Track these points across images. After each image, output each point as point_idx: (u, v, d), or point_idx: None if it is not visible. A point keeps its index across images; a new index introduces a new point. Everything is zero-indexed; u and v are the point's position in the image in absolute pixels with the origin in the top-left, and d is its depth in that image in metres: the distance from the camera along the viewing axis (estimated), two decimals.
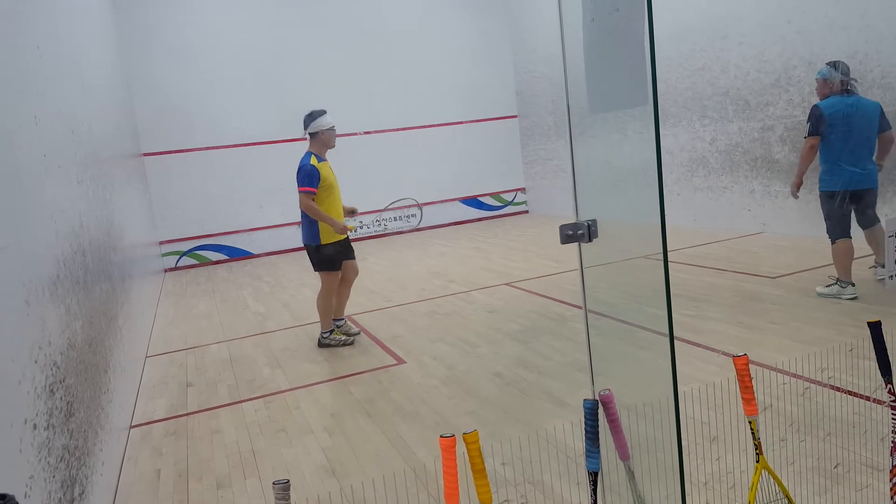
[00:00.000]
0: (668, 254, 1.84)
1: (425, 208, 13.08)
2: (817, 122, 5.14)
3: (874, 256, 5.65)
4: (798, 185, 5.49)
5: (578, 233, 2.01)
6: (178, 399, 4.71)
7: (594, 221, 2.06)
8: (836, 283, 5.23)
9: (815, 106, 5.21)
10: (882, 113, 5.16)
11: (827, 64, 5.31)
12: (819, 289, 5.35)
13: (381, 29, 12.40)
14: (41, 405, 2.27)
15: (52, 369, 2.48)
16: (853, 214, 5.28)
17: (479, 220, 13.51)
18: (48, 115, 3.28)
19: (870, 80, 6.73)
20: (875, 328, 2.08)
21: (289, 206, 11.91)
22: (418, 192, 12.96)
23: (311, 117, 5.62)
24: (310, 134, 5.66)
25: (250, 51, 11.52)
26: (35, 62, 3.21)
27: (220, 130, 11.42)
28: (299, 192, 5.39)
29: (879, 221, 5.33)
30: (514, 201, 13.89)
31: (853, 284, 5.18)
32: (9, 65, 2.67)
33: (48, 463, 2.24)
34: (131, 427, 4.28)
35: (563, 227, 2.03)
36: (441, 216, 13.20)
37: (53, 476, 2.28)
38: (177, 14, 11.03)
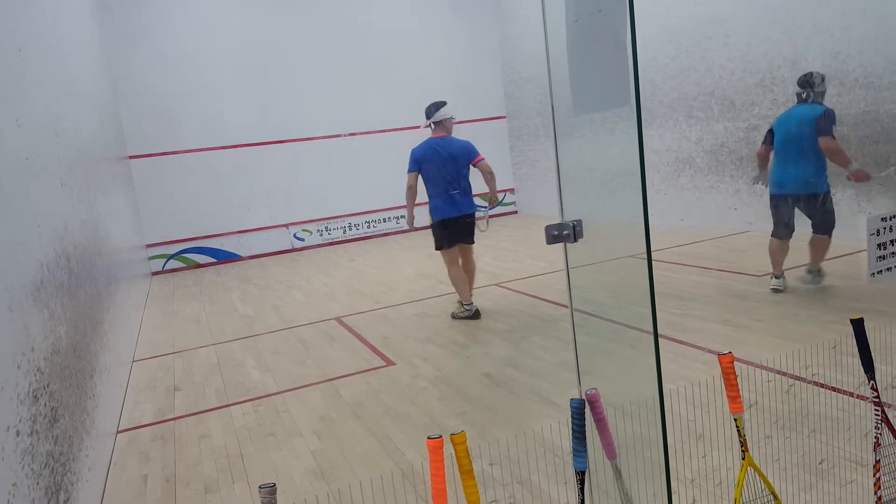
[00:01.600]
0: (655, 253, 1.85)
1: (415, 209, 13.05)
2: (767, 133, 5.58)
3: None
4: (756, 180, 5.93)
5: (564, 233, 2.02)
6: (166, 403, 4.68)
7: (579, 222, 2.06)
8: (806, 273, 5.62)
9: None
10: (822, 117, 5.07)
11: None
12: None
13: (369, 30, 12.39)
14: (24, 411, 2.25)
15: (35, 375, 2.46)
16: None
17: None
18: (31, 117, 3.26)
19: (851, 81, 6.80)
20: (858, 325, 2.10)
21: (276, 208, 11.91)
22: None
23: (437, 107, 6.07)
24: (434, 123, 6.04)
25: (238, 53, 11.47)
26: (17, 64, 3.19)
27: (207, 133, 11.37)
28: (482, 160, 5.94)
29: (822, 232, 5.32)
30: (503, 202, 13.91)
31: (776, 277, 5.51)
32: None
33: (32, 470, 2.22)
34: (118, 432, 4.24)
35: (548, 228, 2.04)
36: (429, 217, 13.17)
37: (37, 483, 2.26)
38: (163, 16, 10.97)
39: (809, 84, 5.29)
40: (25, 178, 2.91)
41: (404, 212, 13.20)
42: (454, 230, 5.89)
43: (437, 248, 5.99)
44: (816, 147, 5.08)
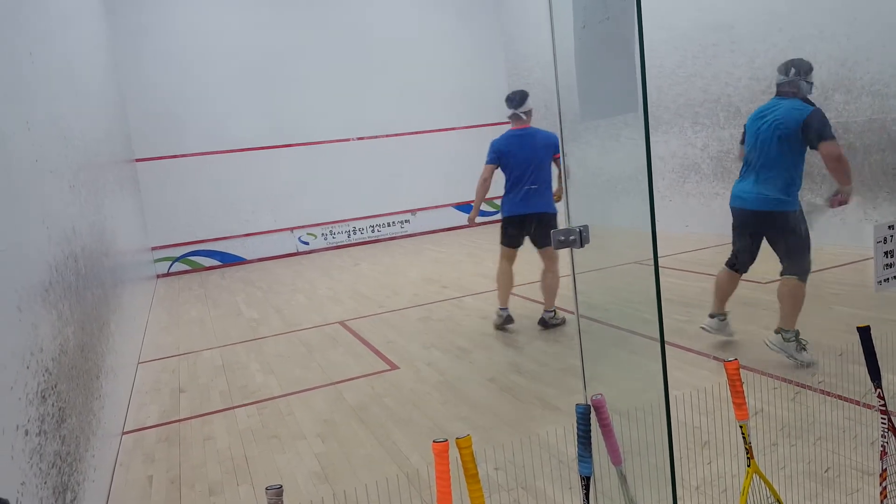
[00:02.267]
0: (661, 259, 1.85)
1: (419, 214, 13.09)
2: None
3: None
4: None
5: (570, 238, 2.02)
6: (171, 405, 4.69)
7: (586, 227, 2.07)
8: (780, 332, 4.18)
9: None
10: (813, 117, 3.94)
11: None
12: (770, 338, 4.27)
13: (374, 35, 12.43)
14: (33, 411, 2.27)
15: (43, 375, 2.47)
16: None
17: (472, 225, 13.51)
18: (41, 120, 3.28)
19: (859, 88, 6.80)
20: (864, 333, 2.10)
21: (281, 211, 11.94)
22: (411, 198, 12.97)
23: (525, 96, 5.70)
24: (524, 113, 5.70)
25: (243, 56, 11.52)
26: (28, 67, 3.21)
27: (212, 136, 11.41)
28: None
29: (791, 272, 4.11)
30: None
31: (713, 315, 4.55)
32: (1, 70, 2.67)
33: (40, 469, 2.23)
34: (123, 433, 4.26)
35: (555, 233, 2.04)
36: (434, 222, 13.20)
37: (45, 482, 2.27)
38: (170, 20, 11.03)
39: (797, 71, 4.17)
40: (35, 180, 2.93)
41: (409, 216, 13.35)
42: (520, 228, 5.56)
43: (500, 243, 5.74)
44: (796, 154, 4.02)
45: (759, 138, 4.16)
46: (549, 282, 5.54)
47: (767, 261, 4.33)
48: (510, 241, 5.64)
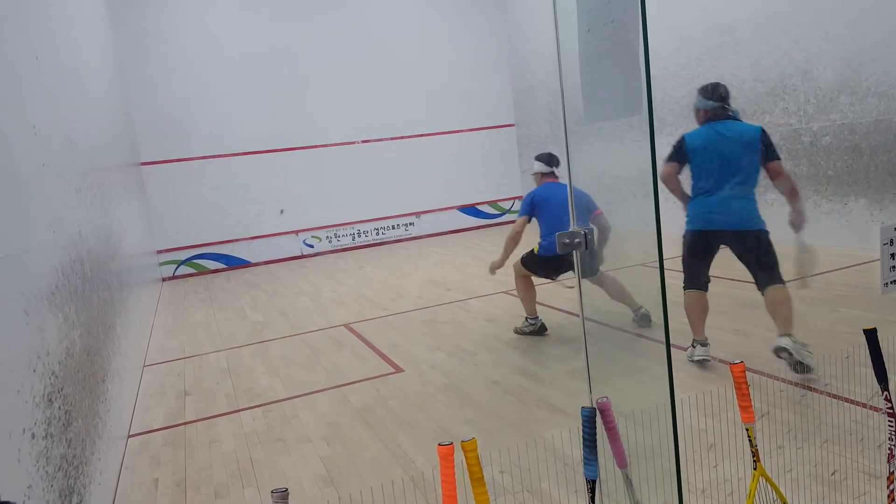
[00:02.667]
0: (666, 262, 1.85)
1: (423, 217, 13.10)
2: (676, 151, 4.32)
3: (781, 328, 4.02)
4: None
5: (575, 241, 2.02)
6: (176, 408, 4.70)
7: (591, 230, 2.06)
8: (691, 345, 4.27)
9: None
10: (766, 137, 4.11)
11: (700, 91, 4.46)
12: (688, 353, 4.32)
13: (378, 38, 12.45)
14: (39, 414, 2.28)
15: (50, 378, 2.48)
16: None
17: (477, 228, 13.54)
18: (47, 124, 3.30)
19: (864, 89, 6.78)
20: (871, 335, 2.09)
21: (286, 215, 11.96)
22: (416, 201, 12.98)
23: (557, 158, 5.63)
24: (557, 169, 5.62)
25: (248, 60, 11.56)
26: (34, 71, 3.23)
27: (218, 140, 11.45)
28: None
29: (775, 281, 4.05)
30: (512, 210, 13.91)
31: (703, 344, 4.29)
32: (8, 74, 2.69)
33: (46, 472, 2.24)
34: (129, 436, 4.27)
35: (560, 236, 2.04)
36: (438, 224, 13.22)
37: (51, 485, 2.28)
38: (175, 23, 11.07)
39: (725, 97, 4.28)
40: (41, 184, 2.95)
41: (413, 219, 13.37)
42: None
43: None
44: (756, 173, 4.12)
45: (727, 157, 4.10)
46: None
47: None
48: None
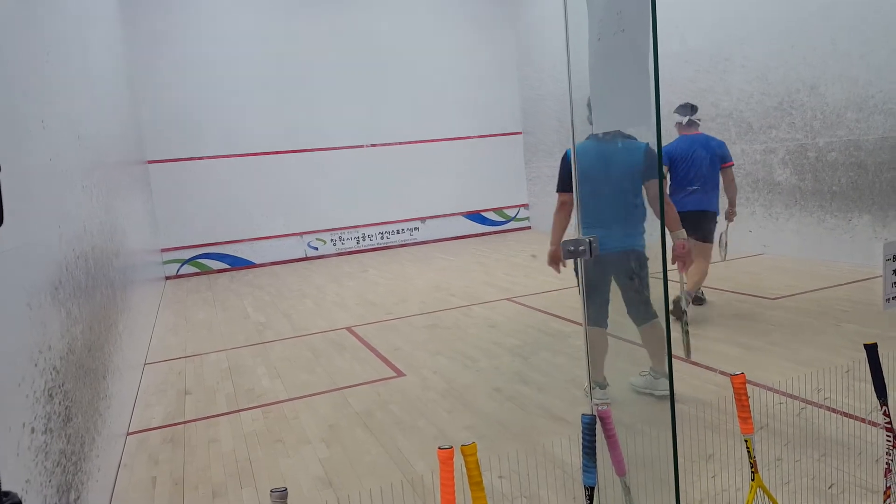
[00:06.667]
0: (668, 273, 1.85)
1: (428, 222, 13.12)
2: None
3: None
4: None
5: (580, 249, 2.03)
6: (176, 407, 4.71)
7: (596, 238, 2.07)
8: (648, 373, 3.76)
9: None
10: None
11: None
12: (632, 379, 3.71)
13: (387, 43, 12.50)
14: (40, 409, 2.28)
15: (51, 373, 2.49)
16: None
17: (482, 235, 13.54)
18: (55, 119, 3.31)
19: (871, 107, 6.78)
20: (871, 351, 2.09)
21: (292, 216, 11.99)
22: (422, 206, 13.00)
23: (695, 107, 5.94)
24: (698, 119, 5.92)
25: (257, 61, 11.61)
26: (44, 67, 3.25)
27: (225, 140, 11.49)
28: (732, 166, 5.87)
29: (655, 315, 3.54)
30: (517, 217, 13.92)
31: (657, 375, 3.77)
32: (18, 69, 2.71)
33: (45, 467, 2.25)
34: (128, 434, 4.27)
35: (564, 243, 2.05)
36: (443, 230, 13.23)
37: (50, 481, 2.28)
38: (184, 23, 11.13)
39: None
40: (49, 180, 2.96)
41: (418, 223, 13.38)
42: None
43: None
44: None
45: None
46: (698, 268, 5.77)
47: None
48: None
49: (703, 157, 5.69)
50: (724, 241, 6.12)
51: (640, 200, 3.47)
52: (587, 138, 3.76)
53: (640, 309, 3.55)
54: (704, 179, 5.68)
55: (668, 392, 3.61)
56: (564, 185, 3.97)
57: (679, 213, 4.74)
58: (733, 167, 5.83)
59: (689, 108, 5.86)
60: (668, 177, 5.66)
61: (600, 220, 3.19)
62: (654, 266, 1.90)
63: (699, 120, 5.88)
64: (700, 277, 5.81)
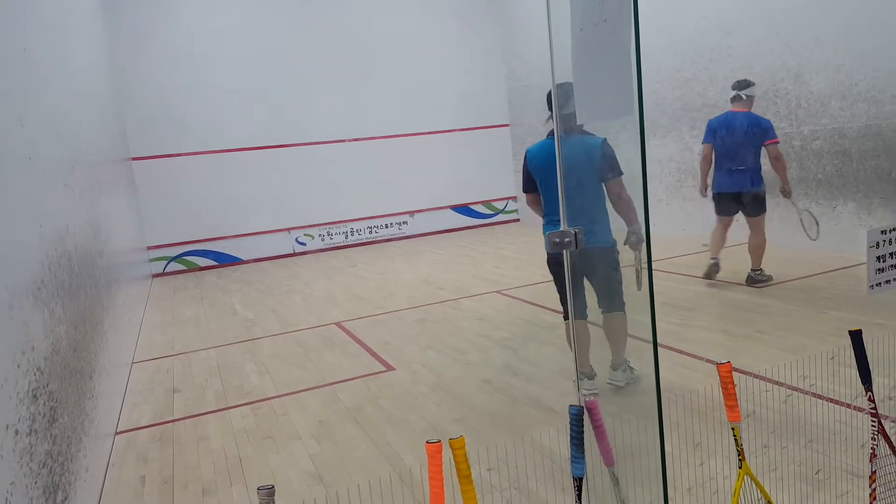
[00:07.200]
0: (655, 263, 1.85)
1: (416, 216, 13.09)
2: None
3: None
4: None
5: (565, 241, 2.02)
6: (165, 405, 4.68)
7: (581, 230, 2.07)
8: (628, 368, 3.80)
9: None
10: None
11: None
12: (610, 378, 3.79)
13: (373, 36, 12.43)
14: (24, 410, 2.26)
15: (35, 374, 2.46)
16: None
17: (470, 227, 13.54)
18: (34, 117, 3.27)
19: (854, 95, 6.82)
20: (856, 337, 2.11)
21: (279, 211, 11.92)
22: (409, 200, 12.97)
23: (750, 82, 6.14)
24: (748, 96, 6.07)
25: (241, 57, 11.51)
26: (21, 64, 3.20)
27: (209, 136, 11.40)
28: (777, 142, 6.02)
29: (619, 308, 3.49)
30: (506, 210, 13.92)
31: (631, 370, 3.80)
32: None
33: (30, 469, 2.22)
34: (116, 433, 4.25)
35: (550, 235, 2.04)
36: (432, 224, 13.21)
37: (35, 482, 2.26)
38: (168, 19, 11.01)
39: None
40: (28, 178, 2.93)
41: (407, 218, 13.35)
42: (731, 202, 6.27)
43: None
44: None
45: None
46: (755, 243, 6.21)
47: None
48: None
49: (735, 133, 5.89)
50: (801, 220, 6.34)
51: (602, 196, 3.51)
52: (547, 136, 3.79)
53: (606, 300, 3.56)
54: (733, 156, 5.97)
55: (621, 383, 3.76)
56: (525, 185, 4.18)
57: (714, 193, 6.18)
58: (778, 144, 5.95)
59: (738, 84, 6.06)
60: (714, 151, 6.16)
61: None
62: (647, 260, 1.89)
63: (748, 96, 6.01)
64: (757, 252, 6.20)
